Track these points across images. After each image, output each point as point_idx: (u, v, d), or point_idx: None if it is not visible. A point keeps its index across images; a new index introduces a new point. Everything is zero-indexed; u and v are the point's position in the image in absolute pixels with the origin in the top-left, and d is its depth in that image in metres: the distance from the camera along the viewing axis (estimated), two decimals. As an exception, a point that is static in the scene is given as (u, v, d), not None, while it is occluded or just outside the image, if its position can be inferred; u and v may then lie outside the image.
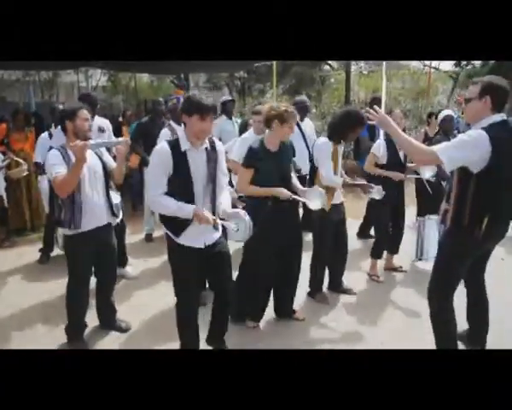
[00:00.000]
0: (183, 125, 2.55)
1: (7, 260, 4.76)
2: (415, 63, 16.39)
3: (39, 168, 4.55)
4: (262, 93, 18.80)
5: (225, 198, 2.67)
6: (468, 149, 2.34)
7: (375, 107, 2.60)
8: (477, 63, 15.33)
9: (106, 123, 4.55)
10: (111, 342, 3.23)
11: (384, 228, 4.21)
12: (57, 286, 3.96)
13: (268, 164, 3.03)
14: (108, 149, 3.35)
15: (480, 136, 2.34)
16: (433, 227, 4.25)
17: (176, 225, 2.54)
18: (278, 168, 3.08)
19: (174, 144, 2.49)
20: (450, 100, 13.14)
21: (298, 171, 4.19)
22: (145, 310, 3.66)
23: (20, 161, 5.10)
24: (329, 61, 17.36)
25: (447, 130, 4.93)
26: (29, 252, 4.95)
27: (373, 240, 5.08)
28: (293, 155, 3.28)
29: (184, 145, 2.48)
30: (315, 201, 3.11)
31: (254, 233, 2.63)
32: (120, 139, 3.12)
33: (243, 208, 3.10)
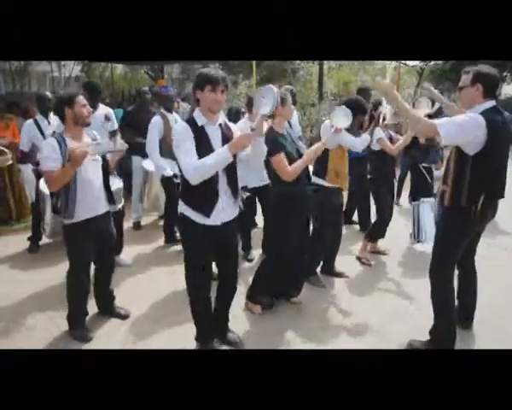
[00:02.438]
0: (196, 102, 2.57)
1: (-4, 251, 4.66)
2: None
3: (24, 156, 4.46)
4: (235, 84, 18.83)
5: None
6: (466, 127, 2.45)
7: (379, 79, 2.73)
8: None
9: (110, 111, 4.59)
10: (112, 329, 3.21)
11: (386, 211, 4.25)
12: (50, 274, 3.96)
13: (288, 145, 3.14)
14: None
15: (478, 118, 2.46)
16: (428, 210, 4.38)
17: (205, 204, 2.55)
18: (293, 147, 3.19)
19: (191, 122, 2.52)
20: (416, 93, 13.69)
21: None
22: (141, 297, 3.66)
23: (5, 149, 5.04)
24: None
25: None
26: (16, 242, 4.87)
27: (356, 226, 5.31)
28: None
29: (201, 121, 2.51)
30: (341, 120, 3.23)
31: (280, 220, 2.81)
32: (121, 148, 3.14)
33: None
